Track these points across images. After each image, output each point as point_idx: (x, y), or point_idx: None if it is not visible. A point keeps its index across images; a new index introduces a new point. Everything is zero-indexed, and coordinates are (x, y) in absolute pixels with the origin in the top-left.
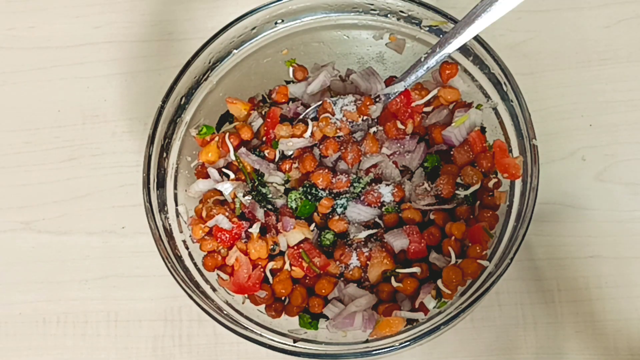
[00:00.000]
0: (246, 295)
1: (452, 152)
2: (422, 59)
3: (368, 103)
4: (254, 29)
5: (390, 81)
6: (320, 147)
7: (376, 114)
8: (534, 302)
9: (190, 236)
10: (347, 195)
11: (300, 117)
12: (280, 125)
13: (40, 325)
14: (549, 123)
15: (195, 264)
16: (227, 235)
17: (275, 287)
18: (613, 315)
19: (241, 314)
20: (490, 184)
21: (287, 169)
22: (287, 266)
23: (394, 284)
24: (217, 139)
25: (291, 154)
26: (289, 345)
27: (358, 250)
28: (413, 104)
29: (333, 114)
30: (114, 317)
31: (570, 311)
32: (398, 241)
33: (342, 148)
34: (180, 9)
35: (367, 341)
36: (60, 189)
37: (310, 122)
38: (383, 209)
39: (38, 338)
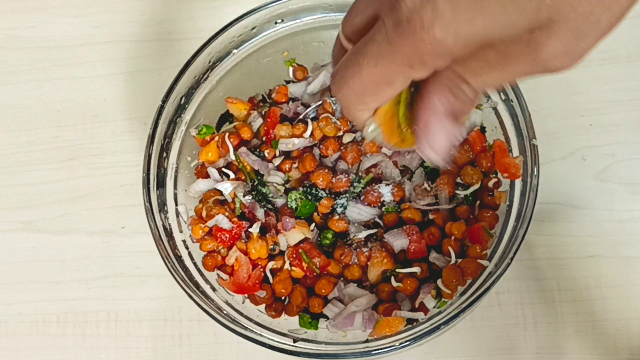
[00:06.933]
0: (246, 295)
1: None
2: None
3: None
4: (254, 28)
5: None
6: (320, 147)
7: None
8: (534, 302)
9: (190, 236)
10: (347, 195)
11: (300, 117)
12: (280, 125)
13: (40, 325)
14: (549, 123)
15: (195, 264)
16: (227, 235)
17: (275, 287)
18: (613, 315)
19: (241, 313)
20: (490, 184)
21: (287, 169)
22: (287, 266)
23: (394, 283)
24: (217, 138)
25: (291, 154)
26: (288, 345)
27: (358, 250)
28: None
29: (333, 114)
30: (113, 317)
31: (570, 311)
32: (398, 241)
33: (342, 148)
34: (180, 9)
35: (367, 341)
36: (60, 189)
37: (310, 122)
38: (383, 209)
39: (38, 338)
